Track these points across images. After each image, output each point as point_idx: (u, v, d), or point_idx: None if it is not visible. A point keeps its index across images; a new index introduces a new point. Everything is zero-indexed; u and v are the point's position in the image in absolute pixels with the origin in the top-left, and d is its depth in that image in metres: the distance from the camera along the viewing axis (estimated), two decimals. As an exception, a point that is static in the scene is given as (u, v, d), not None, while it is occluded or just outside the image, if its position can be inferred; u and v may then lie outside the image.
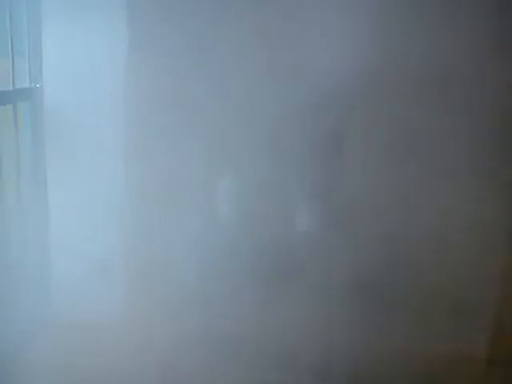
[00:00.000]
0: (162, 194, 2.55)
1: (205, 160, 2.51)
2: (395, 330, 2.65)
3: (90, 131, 2.53)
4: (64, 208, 2.66)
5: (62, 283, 2.76)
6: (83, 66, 2.45)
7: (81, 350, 2.53)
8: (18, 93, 2.47)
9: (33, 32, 2.50)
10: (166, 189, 2.54)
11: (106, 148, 2.58)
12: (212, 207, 2.41)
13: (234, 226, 2.31)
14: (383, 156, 2.44)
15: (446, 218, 2.48)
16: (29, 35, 2.49)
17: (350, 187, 2.44)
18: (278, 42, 2.32)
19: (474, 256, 2.54)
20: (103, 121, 2.53)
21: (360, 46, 2.15)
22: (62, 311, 2.77)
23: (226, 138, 2.52)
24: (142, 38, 2.44)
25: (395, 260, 2.53)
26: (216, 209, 2.38)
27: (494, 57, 2.25)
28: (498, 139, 2.33)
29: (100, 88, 2.50)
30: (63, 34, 2.44)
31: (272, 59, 2.33)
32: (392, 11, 2.09)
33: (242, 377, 2.44)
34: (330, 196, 2.41)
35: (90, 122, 2.53)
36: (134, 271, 2.76)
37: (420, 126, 2.33)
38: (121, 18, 2.45)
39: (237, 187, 2.32)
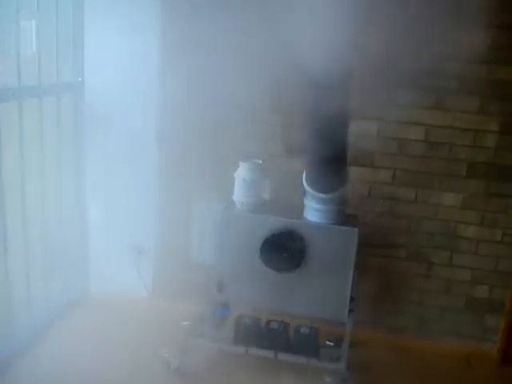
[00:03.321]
0: (191, 181, 2.71)
1: (233, 149, 2.65)
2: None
3: (126, 121, 2.70)
4: (102, 194, 2.86)
5: (99, 264, 2.96)
6: (121, 62, 2.62)
7: (114, 325, 2.72)
8: (62, 86, 2.67)
9: (76, 29, 2.68)
10: (195, 176, 2.70)
11: (140, 137, 2.76)
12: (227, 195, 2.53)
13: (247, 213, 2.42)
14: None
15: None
16: (74, 32, 2.67)
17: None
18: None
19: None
20: (139, 111, 2.70)
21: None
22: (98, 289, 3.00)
23: (253, 130, 2.66)
24: (175, 35, 2.59)
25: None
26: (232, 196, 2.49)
27: None
28: None
29: (136, 81, 2.67)
30: (103, 32, 2.62)
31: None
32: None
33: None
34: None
35: (126, 113, 2.70)
36: (163, 253, 2.94)
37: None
38: (156, 16, 2.62)
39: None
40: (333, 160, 2.15)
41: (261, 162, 2.41)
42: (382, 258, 2.77)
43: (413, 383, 2.53)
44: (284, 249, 2.28)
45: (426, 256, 2.75)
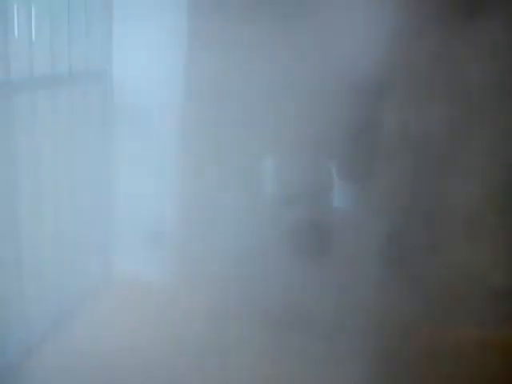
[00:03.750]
0: (214, 174, 2.77)
1: (252, 145, 2.71)
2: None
3: (154, 112, 2.75)
4: (128, 182, 2.92)
5: (122, 248, 3.03)
6: (149, 53, 2.66)
7: (137, 309, 2.80)
8: (89, 74, 2.70)
9: (105, 17, 2.70)
10: (217, 169, 2.76)
11: (166, 128, 2.81)
12: (257, 185, 2.60)
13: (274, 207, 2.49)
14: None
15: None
16: (102, 20, 2.70)
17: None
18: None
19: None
20: (165, 104, 2.75)
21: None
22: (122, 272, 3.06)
23: (276, 126, 2.71)
24: (201, 29, 2.63)
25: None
26: (260, 187, 2.56)
27: None
28: None
29: (163, 74, 2.71)
30: (132, 22, 2.65)
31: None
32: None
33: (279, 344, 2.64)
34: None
35: (154, 104, 2.75)
36: (183, 241, 3.00)
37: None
38: (183, 9, 2.65)
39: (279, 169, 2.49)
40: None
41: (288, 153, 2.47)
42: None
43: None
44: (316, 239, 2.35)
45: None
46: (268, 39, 2.41)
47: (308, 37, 2.36)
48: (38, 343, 2.44)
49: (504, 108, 2.45)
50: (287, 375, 2.37)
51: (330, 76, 2.37)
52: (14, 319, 2.33)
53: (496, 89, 2.42)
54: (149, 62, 2.69)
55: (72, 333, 2.57)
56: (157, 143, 2.85)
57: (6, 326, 2.28)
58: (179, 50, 2.69)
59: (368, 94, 2.30)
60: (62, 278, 2.67)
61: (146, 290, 2.93)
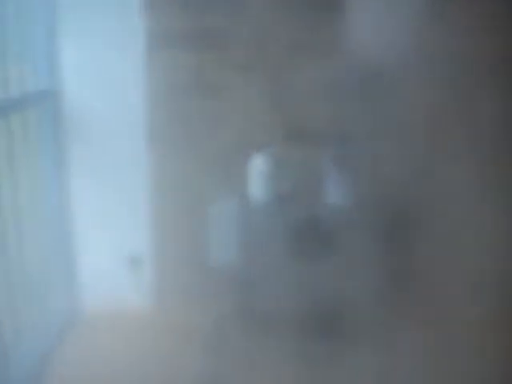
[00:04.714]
0: (193, 179, 2.64)
1: (225, 146, 2.61)
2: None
3: (110, 124, 2.58)
4: (89, 205, 2.72)
5: (90, 277, 2.81)
6: (103, 63, 2.51)
7: (119, 343, 2.59)
8: (39, 94, 2.51)
9: (49, 34, 2.53)
10: (196, 175, 2.63)
11: (128, 140, 2.65)
12: (241, 189, 2.49)
13: (264, 207, 2.40)
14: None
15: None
16: (46, 37, 2.52)
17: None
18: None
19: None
20: (125, 112, 2.59)
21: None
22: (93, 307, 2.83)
23: (247, 122, 2.62)
24: (159, 32, 2.51)
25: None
26: (246, 190, 2.47)
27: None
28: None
29: (119, 84, 2.56)
30: (80, 34, 2.49)
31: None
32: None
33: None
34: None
35: (110, 117, 2.59)
36: (164, 260, 2.82)
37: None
38: (139, 15, 2.53)
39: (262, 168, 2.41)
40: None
41: (275, 151, 2.40)
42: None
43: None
44: (314, 236, 2.29)
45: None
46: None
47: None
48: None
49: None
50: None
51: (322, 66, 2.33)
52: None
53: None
54: (101, 78, 2.53)
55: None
56: (116, 159, 2.68)
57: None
58: (132, 63, 2.56)
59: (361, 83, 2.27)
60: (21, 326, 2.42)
61: (126, 322, 2.72)
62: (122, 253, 2.79)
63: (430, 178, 2.58)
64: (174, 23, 2.42)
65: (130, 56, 2.54)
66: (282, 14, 2.39)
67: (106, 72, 2.54)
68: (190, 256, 2.56)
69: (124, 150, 2.66)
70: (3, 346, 2.10)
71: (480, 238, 2.80)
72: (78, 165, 2.69)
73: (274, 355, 2.37)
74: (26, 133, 2.41)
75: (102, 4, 2.48)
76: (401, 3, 2.37)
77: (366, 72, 2.39)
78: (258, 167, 2.31)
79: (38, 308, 2.55)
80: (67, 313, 2.78)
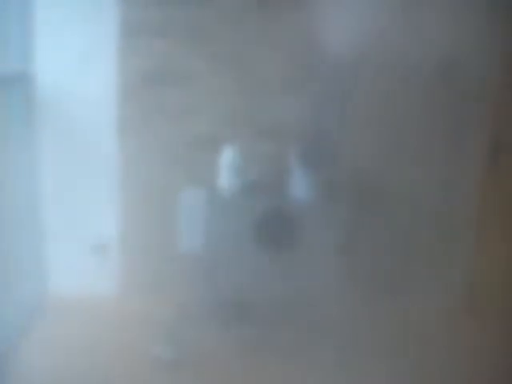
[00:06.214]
0: (160, 169, 2.65)
1: (203, 133, 2.63)
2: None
3: (84, 111, 2.58)
4: (59, 191, 2.70)
5: (58, 266, 2.78)
6: (77, 48, 2.51)
7: (86, 328, 2.56)
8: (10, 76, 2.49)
9: (25, 17, 2.52)
10: (164, 164, 2.64)
11: (97, 128, 2.65)
12: (208, 180, 2.52)
13: (234, 197, 2.42)
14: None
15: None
16: (20, 20, 2.51)
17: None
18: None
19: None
20: (97, 100, 2.60)
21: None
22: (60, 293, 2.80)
23: (221, 113, 2.65)
24: (134, 21, 2.54)
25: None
26: (214, 180, 2.49)
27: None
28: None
29: (93, 71, 2.57)
30: (56, 19, 2.50)
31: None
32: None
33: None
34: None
35: (83, 103, 2.59)
36: (132, 247, 2.82)
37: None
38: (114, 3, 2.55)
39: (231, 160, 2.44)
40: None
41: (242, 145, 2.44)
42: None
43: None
44: (278, 227, 2.33)
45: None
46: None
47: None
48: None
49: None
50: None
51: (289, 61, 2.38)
52: None
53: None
54: (74, 62, 2.54)
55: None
56: (86, 146, 2.67)
57: None
58: (106, 50, 2.57)
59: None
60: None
61: (92, 308, 2.70)
62: (89, 240, 2.78)
63: (394, 170, 2.65)
64: (147, 12, 2.45)
65: (103, 43, 2.55)
66: (252, 4, 2.44)
67: (78, 58, 2.55)
68: (157, 244, 2.57)
69: (93, 138, 2.67)
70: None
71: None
72: (47, 151, 2.69)
73: (239, 343, 2.38)
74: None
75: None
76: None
77: (335, 68, 2.45)
78: (226, 158, 2.35)
79: (5, 295, 2.51)
80: (34, 299, 2.75)
